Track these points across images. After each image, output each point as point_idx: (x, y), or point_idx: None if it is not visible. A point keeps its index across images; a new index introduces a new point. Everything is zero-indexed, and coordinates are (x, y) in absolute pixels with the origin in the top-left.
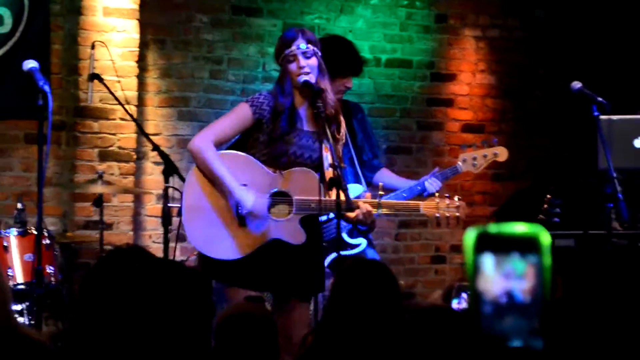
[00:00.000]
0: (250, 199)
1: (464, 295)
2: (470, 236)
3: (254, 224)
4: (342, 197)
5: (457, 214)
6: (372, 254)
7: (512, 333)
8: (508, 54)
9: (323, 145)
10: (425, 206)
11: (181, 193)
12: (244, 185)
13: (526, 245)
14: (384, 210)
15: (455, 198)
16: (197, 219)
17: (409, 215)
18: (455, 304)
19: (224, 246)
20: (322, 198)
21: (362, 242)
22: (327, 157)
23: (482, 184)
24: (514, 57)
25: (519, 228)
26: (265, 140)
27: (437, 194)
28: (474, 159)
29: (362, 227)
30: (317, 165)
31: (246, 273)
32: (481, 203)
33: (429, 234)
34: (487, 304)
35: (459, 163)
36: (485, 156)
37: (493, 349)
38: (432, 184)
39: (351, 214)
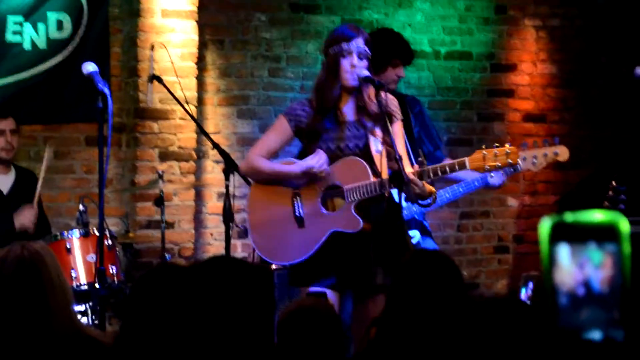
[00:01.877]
0: (311, 161)
1: (530, 284)
2: (545, 226)
3: (311, 223)
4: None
5: (509, 160)
6: (430, 244)
7: (590, 325)
8: (569, 42)
9: (368, 132)
10: (471, 161)
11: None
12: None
13: (604, 234)
14: (431, 176)
15: (507, 145)
16: (262, 233)
17: (453, 172)
18: (522, 294)
19: (290, 250)
20: (370, 181)
21: (415, 234)
22: (375, 142)
23: (545, 173)
24: (575, 45)
25: (596, 216)
26: (308, 141)
27: (483, 147)
28: (534, 157)
29: (423, 201)
30: (364, 153)
31: (317, 272)
32: (544, 192)
33: (491, 224)
34: (564, 295)
35: (519, 161)
36: (545, 155)
37: (569, 342)
38: (494, 176)
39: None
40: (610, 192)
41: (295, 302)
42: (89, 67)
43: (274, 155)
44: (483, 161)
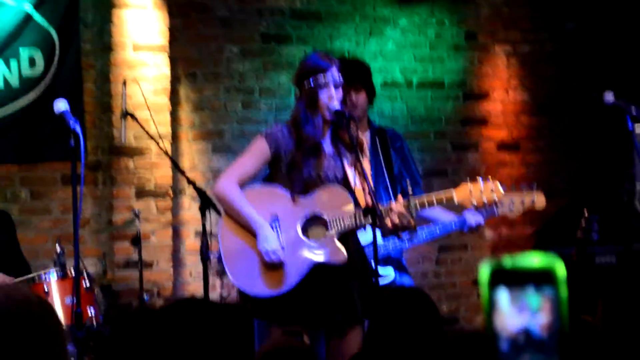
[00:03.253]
0: (271, 240)
1: None
2: (484, 271)
3: (293, 254)
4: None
5: (495, 198)
6: (406, 280)
7: None
8: (540, 68)
9: (345, 163)
10: (458, 195)
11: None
12: (276, 216)
13: (541, 278)
14: (418, 207)
15: (489, 179)
16: (237, 261)
17: (443, 204)
18: None
19: (269, 282)
20: (355, 211)
21: (389, 272)
22: (353, 174)
23: None
24: (547, 71)
25: (534, 260)
26: (286, 170)
27: (469, 180)
28: (512, 202)
29: (405, 232)
30: (343, 184)
31: (295, 308)
32: (521, 223)
33: (469, 257)
34: (505, 341)
35: (496, 205)
36: (523, 202)
37: None
38: (474, 215)
39: (388, 222)
40: (583, 223)
41: (273, 341)
42: (60, 105)
43: (250, 179)
44: (470, 195)
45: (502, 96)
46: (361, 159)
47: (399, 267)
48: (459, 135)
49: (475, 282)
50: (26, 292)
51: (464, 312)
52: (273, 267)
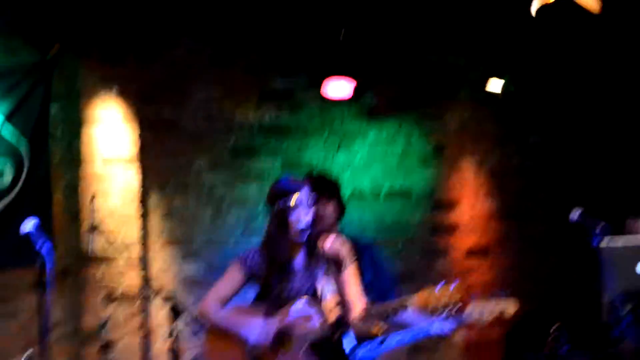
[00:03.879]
0: (255, 331)
1: None
2: None
3: None
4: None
5: (452, 300)
6: None
7: None
8: (507, 180)
9: (319, 277)
10: (417, 300)
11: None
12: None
13: None
14: (374, 319)
15: (452, 285)
16: None
17: (399, 311)
18: None
19: None
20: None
21: None
22: (327, 287)
23: None
24: (514, 182)
25: None
26: (261, 290)
27: (432, 286)
28: (482, 309)
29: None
30: (314, 298)
31: None
32: (491, 325)
33: (440, 358)
34: None
35: (467, 312)
36: (494, 307)
37: None
38: (445, 322)
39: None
40: (551, 341)
41: None
42: (27, 226)
43: (228, 301)
44: (427, 300)
45: (471, 204)
46: (331, 272)
47: None
48: (427, 244)
49: None
50: None
51: None
52: None
